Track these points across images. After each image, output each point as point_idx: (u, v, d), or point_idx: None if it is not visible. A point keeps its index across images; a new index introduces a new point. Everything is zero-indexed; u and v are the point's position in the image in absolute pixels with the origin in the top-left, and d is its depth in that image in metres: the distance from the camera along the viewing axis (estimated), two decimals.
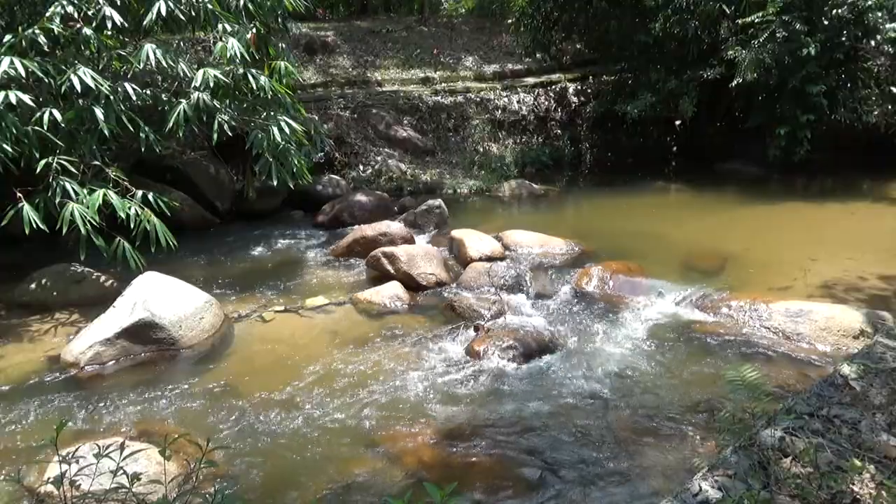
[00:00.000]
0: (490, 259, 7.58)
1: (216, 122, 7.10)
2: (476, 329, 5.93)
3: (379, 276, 7.31)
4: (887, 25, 11.05)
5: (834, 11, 11.03)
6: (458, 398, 4.87)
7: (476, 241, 7.85)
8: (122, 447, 2.17)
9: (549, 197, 11.56)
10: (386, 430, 4.49)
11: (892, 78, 11.39)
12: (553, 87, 15.54)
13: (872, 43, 11.28)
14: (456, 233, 8.19)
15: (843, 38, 11.27)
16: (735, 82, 11.31)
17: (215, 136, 7.09)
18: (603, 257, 7.55)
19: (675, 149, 13.64)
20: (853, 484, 2.67)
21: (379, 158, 12.88)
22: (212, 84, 6.85)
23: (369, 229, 8.28)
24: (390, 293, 6.79)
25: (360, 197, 10.36)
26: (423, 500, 2.02)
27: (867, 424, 3.10)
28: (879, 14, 11.04)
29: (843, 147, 12.35)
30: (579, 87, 15.51)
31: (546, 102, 15.20)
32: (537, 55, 16.17)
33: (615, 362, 5.39)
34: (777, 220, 9.38)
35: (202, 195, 9.91)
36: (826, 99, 11.27)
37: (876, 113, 11.57)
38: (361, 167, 12.70)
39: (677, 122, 13.03)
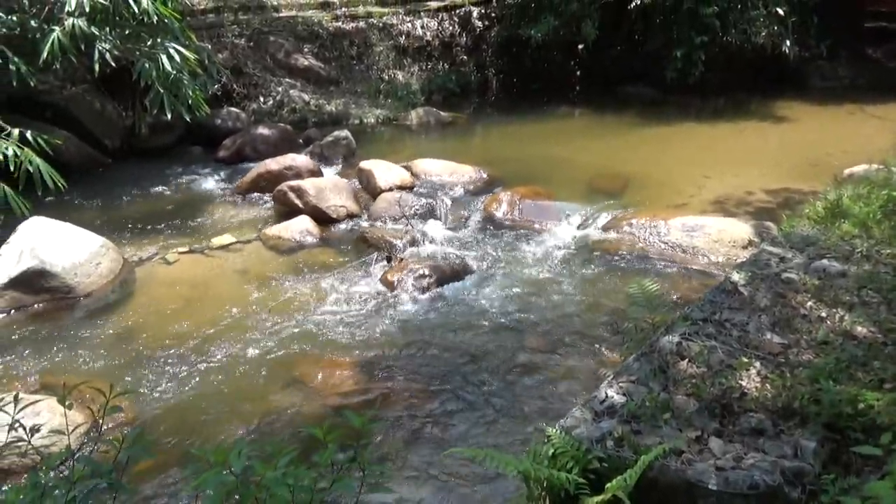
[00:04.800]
0: (400, 189, 7.52)
1: (96, 51, 6.53)
2: (389, 259, 5.94)
3: (287, 211, 7.11)
4: None
5: None
6: (375, 328, 4.90)
7: (385, 172, 7.75)
8: (15, 399, 2.04)
9: (457, 124, 11.50)
10: (303, 364, 4.48)
11: (777, 0, 11.84)
12: (457, 10, 15.17)
13: None
14: (364, 164, 8.04)
15: None
16: (634, 4, 11.44)
17: (97, 67, 6.53)
18: (511, 183, 7.64)
19: (578, 73, 13.75)
20: (741, 380, 2.90)
21: (280, 89, 12.29)
22: (87, 8, 6.24)
23: (274, 163, 7.99)
24: (300, 228, 6.64)
25: (263, 130, 9.93)
26: (343, 428, 2.03)
27: (754, 325, 3.35)
28: None
29: (735, 68, 12.83)
30: (483, 11, 15.23)
31: (450, 27, 14.85)
32: None
33: (526, 284, 5.56)
34: (674, 141, 9.77)
35: (88, 133, 9.18)
36: (718, 20, 11.61)
37: (763, 34, 12.04)
38: (262, 99, 12.09)
39: (580, 46, 13.11)
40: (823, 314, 3.38)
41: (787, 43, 11.95)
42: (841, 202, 4.75)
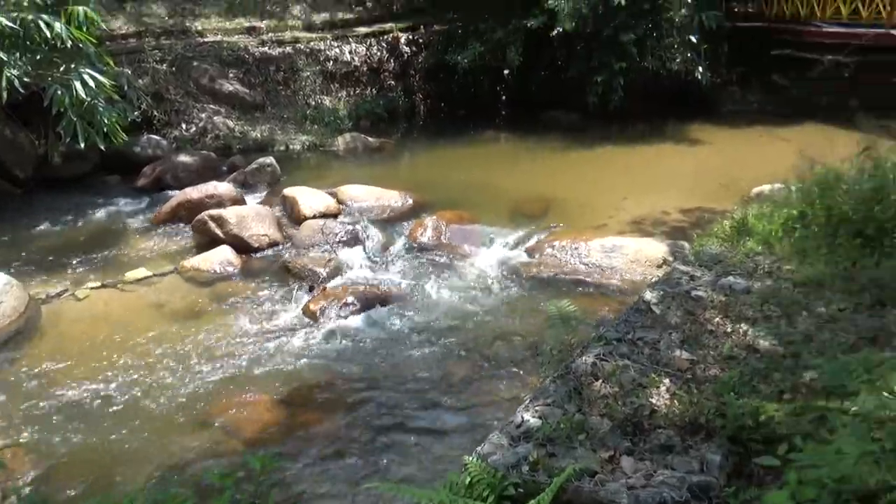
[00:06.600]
0: (325, 216, 7.45)
1: (4, 77, 6.26)
2: (311, 289, 5.84)
3: (207, 242, 6.91)
4: None
5: None
6: (297, 361, 4.79)
7: (310, 198, 7.66)
8: None
9: (385, 149, 11.52)
10: (221, 402, 4.32)
11: (690, 27, 12.42)
12: (385, 36, 15.29)
13: None
14: (288, 191, 7.93)
15: None
16: (556, 32, 11.80)
17: (5, 94, 6.26)
18: (437, 207, 7.70)
19: (504, 98, 14.04)
20: (652, 397, 2.95)
21: (203, 115, 12.04)
22: None
23: (195, 192, 7.79)
24: (220, 258, 6.47)
25: (184, 157, 9.70)
26: (249, 468, 1.96)
27: (665, 343, 3.43)
28: None
29: (652, 94, 13.35)
30: (411, 37, 15.40)
31: (378, 53, 14.93)
32: (367, 3, 15.80)
33: (451, 309, 5.56)
34: (594, 164, 10.07)
35: None
36: (636, 47, 12.10)
37: (678, 60, 12.60)
38: (184, 125, 11.81)
39: (506, 72, 13.40)
40: (729, 329, 3.49)
41: (700, 69, 12.54)
42: (746, 220, 4.94)
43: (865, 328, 3.23)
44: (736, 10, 14.74)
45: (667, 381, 3.06)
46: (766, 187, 6.86)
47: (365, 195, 8.13)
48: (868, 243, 3.90)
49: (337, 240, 6.87)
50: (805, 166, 5.22)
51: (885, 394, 2.35)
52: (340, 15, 15.76)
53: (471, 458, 2.64)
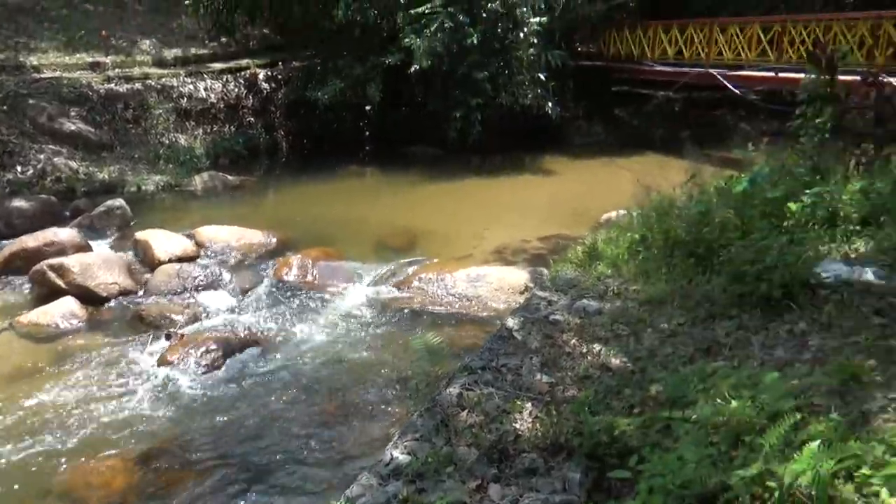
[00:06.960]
0: (182, 259, 7.08)
1: None
2: (168, 337, 5.49)
3: (48, 293, 6.32)
4: (531, 19, 12.79)
5: (489, 5, 12.44)
6: (153, 417, 4.46)
7: (164, 242, 7.26)
8: None
9: (246, 188, 11.19)
10: (66, 471, 3.92)
11: (538, 65, 13.22)
12: (242, 72, 14.96)
13: (521, 35, 12.94)
14: (141, 234, 7.47)
15: (499, 30, 12.76)
16: (413, 69, 12.11)
17: None
18: (302, 245, 7.57)
19: (367, 134, 14.15)
20: (515, 422, 3.04)
21: (42, 157, 11.13)
22: None
23: (31, 240, 7.17)
24: (63, 311, 5.94)
25: (20, 202, 8.92)
26: None
27: (526, 367, 3.56)
28: (525, 9, 12.73)
29: (508, 129, 13.98)
30: (270, 73, 15.18)
31: (236, 89, 14.56)
32: (222, 39, 15.43)
33: (320, 349, 5.44)
34: (457, 196, 10.37)
35: None
36: (490, 84, 12.68)
37: (530, 96, 13.33)
38: (19, 168, 10.85)
39: (367, 108, 13.53)
40: (584, 350, 3.68)
41: (550, 104, 13.35)
42: (596, 246, 5.27)
43: (700, 340, 3.52)
44: (579, 49, 15.90)
45: (529, 405, 3.16)
46: (612, 214, 7.37)
47: (225, 236, 7.84)
48: (700, 262, 4.26)
49: (195, 284, 6.53)
50: (643, 194, 5.66)
51: (718, 400, 2.58)
52: (194, 50, 15.26)
53: (338, 502, 2.58)
